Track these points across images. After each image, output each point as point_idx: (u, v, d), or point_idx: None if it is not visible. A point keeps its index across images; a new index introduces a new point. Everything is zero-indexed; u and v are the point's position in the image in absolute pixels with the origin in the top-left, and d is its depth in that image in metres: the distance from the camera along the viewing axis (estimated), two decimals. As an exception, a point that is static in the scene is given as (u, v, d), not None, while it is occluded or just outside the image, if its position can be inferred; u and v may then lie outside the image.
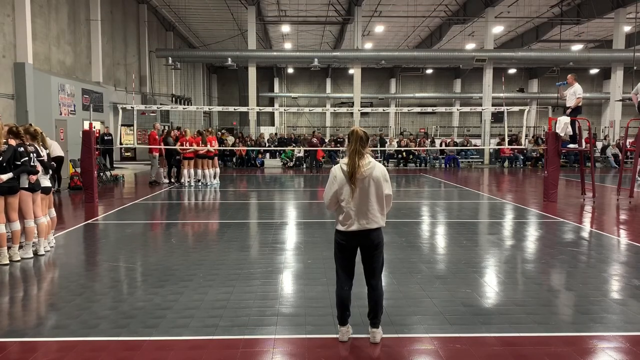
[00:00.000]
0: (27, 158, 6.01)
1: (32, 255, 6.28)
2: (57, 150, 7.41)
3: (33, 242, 6.34)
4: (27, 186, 6.10)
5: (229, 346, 3.74)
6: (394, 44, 35.75)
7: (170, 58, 25.75)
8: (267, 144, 23.99)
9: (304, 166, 22.55)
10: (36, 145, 6.43)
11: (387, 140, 25.12)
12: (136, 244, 7.20)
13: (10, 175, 5.82)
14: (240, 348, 3.70)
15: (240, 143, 23.05)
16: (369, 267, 3.83)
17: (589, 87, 39.95)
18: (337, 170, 3.76)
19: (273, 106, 39.89)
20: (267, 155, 23.37)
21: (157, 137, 14.94)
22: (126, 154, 23.53)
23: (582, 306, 4.62)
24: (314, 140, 22.78)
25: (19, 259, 6.10)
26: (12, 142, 6.07)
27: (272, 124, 40.64)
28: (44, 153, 6.53)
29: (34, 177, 6.14)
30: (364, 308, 3.93)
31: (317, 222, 9.08)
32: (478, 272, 5.71)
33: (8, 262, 5.98)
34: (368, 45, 33.27)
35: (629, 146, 15.40)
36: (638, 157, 11.02)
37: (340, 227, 3.77)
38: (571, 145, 11.88)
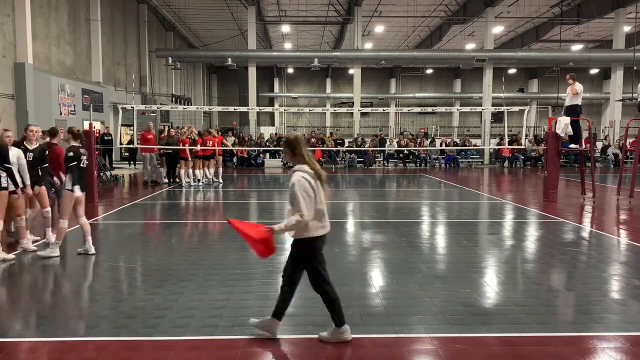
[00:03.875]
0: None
1: (58, 253, 6.27)
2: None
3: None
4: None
5: (229, 346, 3.74)
6: (394, 44, 35.73)
7: (170, 58, 25.72)
8: (267, 144, 23.97)
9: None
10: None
11: (388, 140, 25.09)
12: (136, 244, 7.20)
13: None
14: (240, 348, 3.70)
15: (239, 145, 23.02)
16: (324, 269, 3.83)
17: (589, 87, 39.92)
18: (308, 179, 3.66)
19: (273, 106, 39.88)
20: (267, 155, 23.37)
21: (148, 137, 14.89)
22: (125, 154, 23.50)
23: (582, 306, 4.63)
24: (313, 140, 22.77)
25: (13, 256, 6.18)
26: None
27: (272, 124, 40.62)
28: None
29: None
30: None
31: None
32: (478, 272, 5.71)
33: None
34: (368, 45, 33.24)
35: (629, 146, 15.40)
36: (638, 157, 11.02)
37: (320, 232, 3.74)
38: (572, 146, 11.87)
